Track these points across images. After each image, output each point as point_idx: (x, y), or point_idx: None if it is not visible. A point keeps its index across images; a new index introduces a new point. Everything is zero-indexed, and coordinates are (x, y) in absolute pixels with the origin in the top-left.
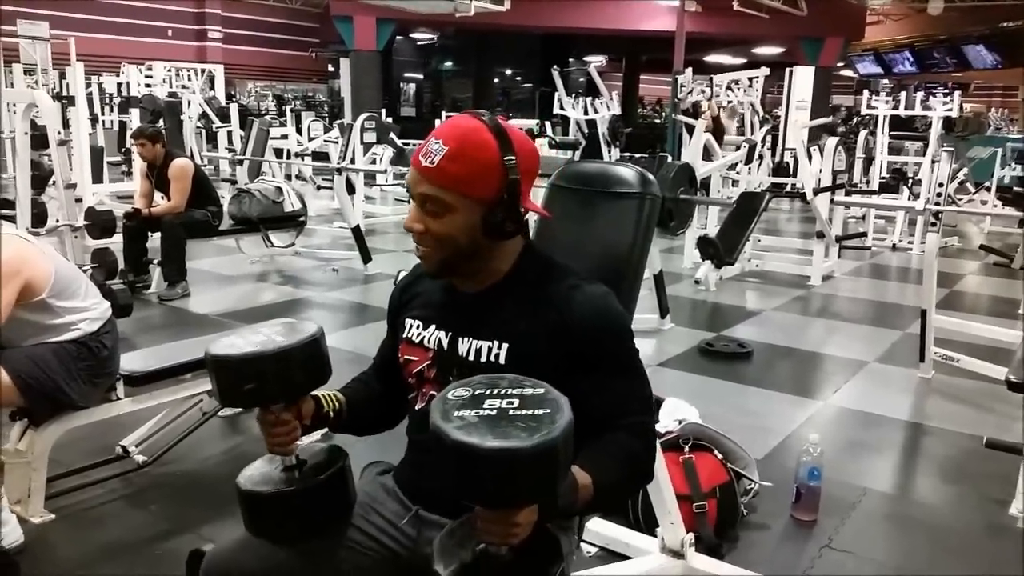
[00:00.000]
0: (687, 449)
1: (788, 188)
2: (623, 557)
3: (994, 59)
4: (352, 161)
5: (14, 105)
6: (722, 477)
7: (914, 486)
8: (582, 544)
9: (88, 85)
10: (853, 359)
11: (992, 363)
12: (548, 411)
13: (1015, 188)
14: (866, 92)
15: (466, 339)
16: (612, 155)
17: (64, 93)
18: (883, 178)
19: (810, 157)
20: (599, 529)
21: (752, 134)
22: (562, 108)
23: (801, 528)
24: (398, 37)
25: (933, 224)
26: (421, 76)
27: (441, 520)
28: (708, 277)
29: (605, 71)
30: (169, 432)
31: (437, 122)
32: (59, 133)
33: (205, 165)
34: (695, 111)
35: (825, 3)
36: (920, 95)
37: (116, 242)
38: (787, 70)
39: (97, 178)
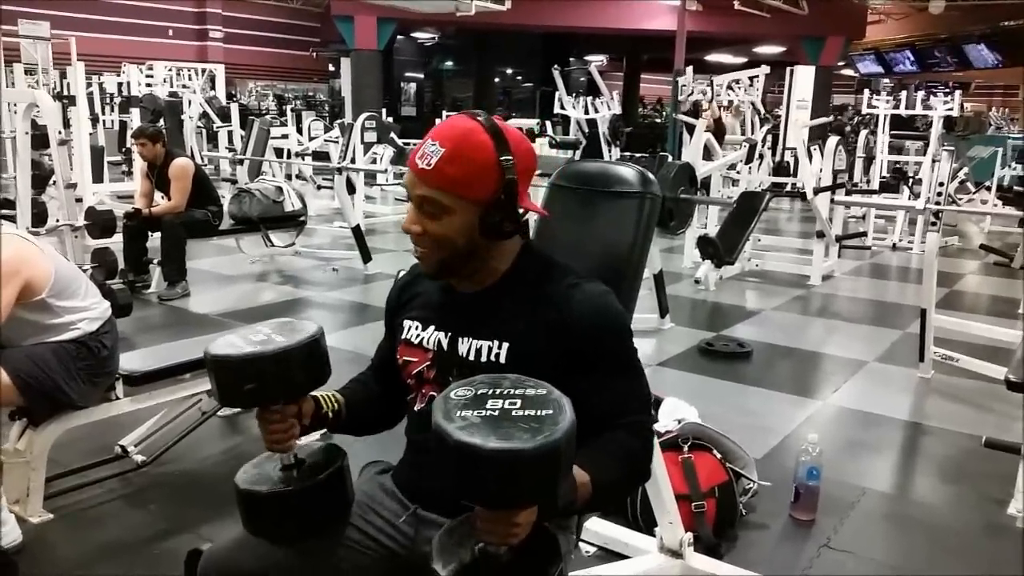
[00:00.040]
0: (686, 449)
1: (788, 188)
2: (622, 556)
3: (995, 58)
4: (352, 161)
5: (15, 105)
6: (721, 477)
7: (913, 486)
8: (581, 543)
9: (89, 85)
10: (853, 359)
11: (992, 363)
12: (550, 412)
13: (1015, 187)
14: (867, 91)
15: (466, 339)
16: (612, 154)
17: (65, 93)
18: (883, 177)
19: (810, 157)
20: (598, 528)
21: (752, 133)
22: (563, 107)
23: (800, 528)
24: (399, 37)
25: (933, 224)
26: (422, 75)
27: (439, 519)
28: (708, 277)
29: (606, 70)
30: (168, 432)
31: (438, 121)
32: (60, 133)
33: (205, 165)
34: (695, 110)
35: (826, 2)
36: (921, 94)
37: (116, 242)
38: (788, 69)
39: (97, 178)
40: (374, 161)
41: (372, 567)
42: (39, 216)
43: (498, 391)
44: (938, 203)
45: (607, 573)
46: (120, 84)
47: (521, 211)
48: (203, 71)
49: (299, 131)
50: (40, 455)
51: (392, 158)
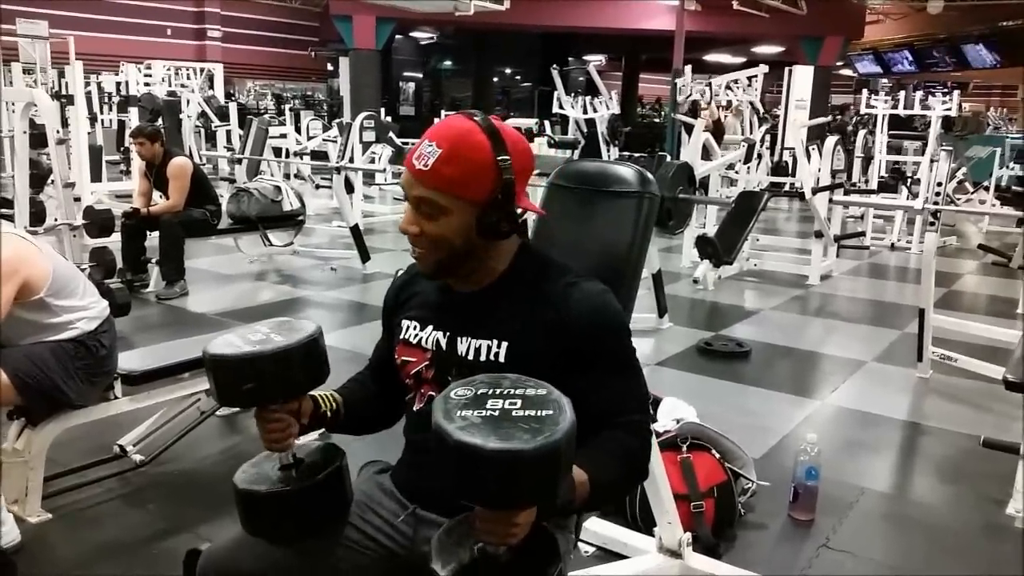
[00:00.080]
0: (685, 448)
1: (787, 187)
2: (620, 556)
3: (993, 58)
4: (351, 160)
5: (13, 104)
6: (720, 477)
7: (912, 486)
8: (579, 543)
9: (87, 84)
10: (851, 359)
11: (990, 363)
12: (551, 413)
13: (1014, 187)
14: (865, 91)
15: (465, 339)
16: (611, 154)
17: (63, 92)
18: (882, 177)
19: (809, 156)
20: (597, 528)
21: (751, 133)
22: (561, 107)
23: (799, 528)
24: (397, 36)
25: (931, 223)
26: (420, 75)
27: (438, 519)
28: (706, 276)
29: (604, 70)
30: (167, 431)
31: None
32: (58, 132)
33: (204, 164)
34: (694, 110)
35: (825, 2)
36: (919, 94)
37: (114, 241)
38: (786, 69)
39: (96, 177)
40: (372, 160)
41: (371, 567)
42: (37, 215)
43: (498, 391)
44: (936, 203)
45: (606, 573)
46: (118, 83)
47: (519, 211)
48: (201, 70)
49: (297, 130)
50: (38, 455)
51: (390, 157)
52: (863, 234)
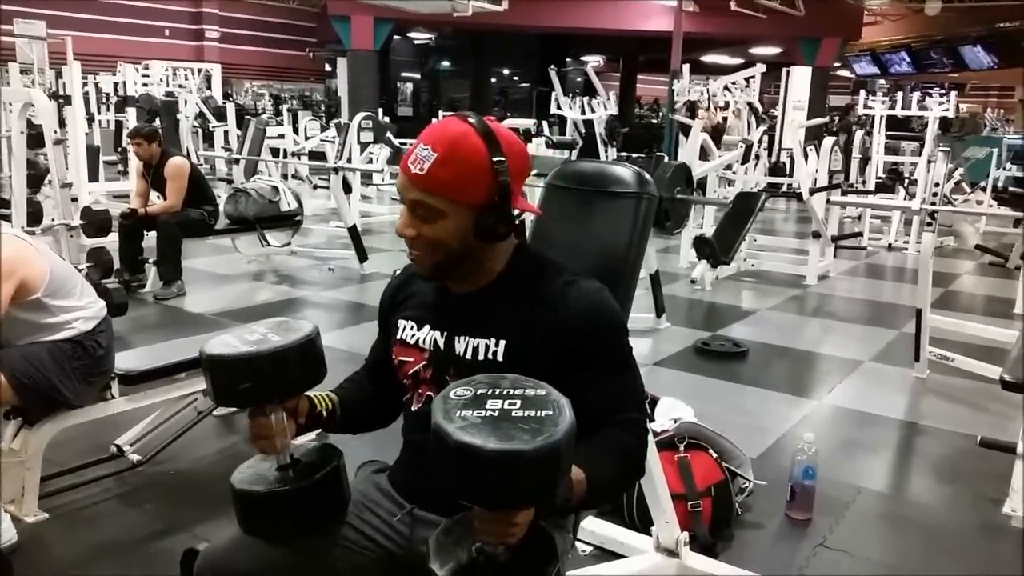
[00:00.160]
0: (682, 448)
1: (784, 188)
2: (618, 556)
3: (990, 59)
4: (349, 160)
5: (10, 104)
6: (717, 476)
7: (909, 485)
8: (577, 543)
9: (84, 84)
10: (848, 358)
11: (987, 363)
12: (550, 413)
13: (1010, 188)
14: (863, 92)
15: (463, 338)
16: (609, 155)
17: (60, 92)
18: (879, 178)
19: (806, 157)
20: (594, 528)
21: (749, 134)
22: (559, 108)
23: (796, 527)
24: (395, 37)
25: (929, 224)
26: (418, 76)
27: (436, 518)
28: (704, 276)
29: (602, 71)
30: (164, 431)
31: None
32: (55, 132)
33: (201, 164)
34: (692, 110)
35: (822, 3)
36: (917, 95)
37: (112, 241)
38: (784, 70)
39: (93, 177)
40: (370, 161)
41: (368, 567)
42: (34, 215)
43: (497, 391)
44: (934, 203)
45: (604, 573)
46: (116, 84)
47: (515, 212)
48: (199, 71)
49: (295, 131)
50: (35, 454)
51: (388, 158)
52: (860, 234)
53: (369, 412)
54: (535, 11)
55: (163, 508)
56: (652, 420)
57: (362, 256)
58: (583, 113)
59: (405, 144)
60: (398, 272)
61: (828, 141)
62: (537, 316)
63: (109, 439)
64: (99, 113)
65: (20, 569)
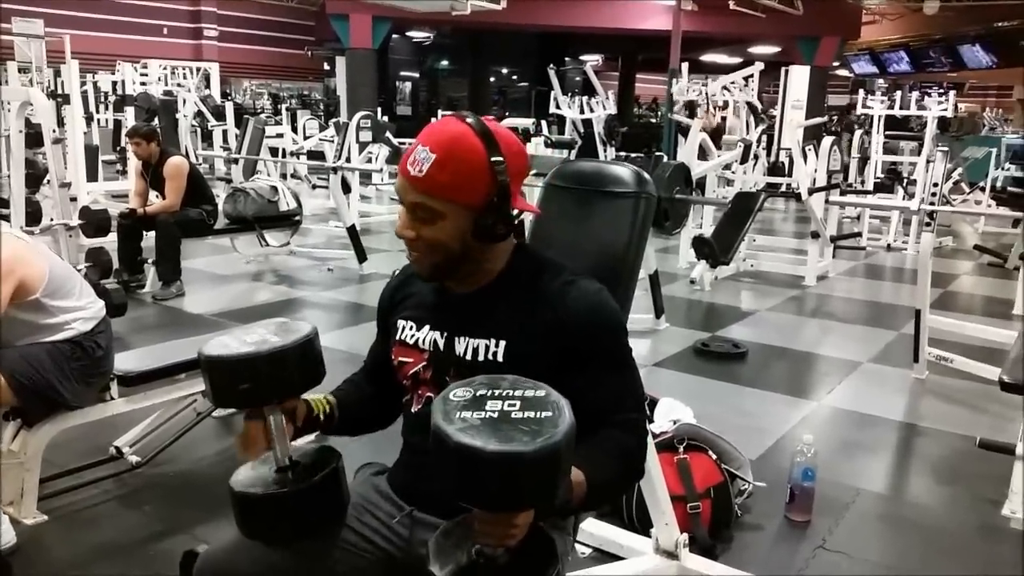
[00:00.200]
0: (681, 449)
1: (783, 188)
2: (617, 558)
3: (989, 59)
4: (348, 160)
5: (9, 103)
6: (716, 478)
7: (908, 487)
8: (576, 544)
9: (83, 83)
10: (847, 359)
11: (986, 364)
12: (550, 414)
13: (1009, 188)
14: (861, 92)
15: (463, 339)
16: (608, 154)
17: (59, 91)
18: (878, 178)
19: (805, 157)
20: (593, 530)
21: (748, 133)
22: (558, 107)
23: (795, 529)
24: (394, 35)
25: (928, 224)
26: (417, 75)
27: (435, 520)
28: (703, 277)
29: (601, 70)
30: (163, 432)
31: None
32: (54, 131)
33: (200, 164)
34: (691, 110)
35: (821, 2)
36: (915, 95)
37: (111, 241)
38: (783, 69)
39: (92, 177)
40: (369, 160)
41: (368, 569)
42: (33, 215)
43: (497, 392)
44: (932, 204)
45: (603, 574)
46: (115, 83)
47: (515, 212)
48: (198, 70)
49: (294, 130)
50: (34, 456)
51: (387, 157)
52: (859, 235)
53: (368, 414)
54: (534, 10)
55: (162, 510)
56: (651, 421)
57: (361, 256)
58: (582, 112)
59: (404, 143)
60: (397, 272)
61: (827, 141)
62: (537, 316)
63: (108, 440)
64: (98, 112)
65: (19, 571)
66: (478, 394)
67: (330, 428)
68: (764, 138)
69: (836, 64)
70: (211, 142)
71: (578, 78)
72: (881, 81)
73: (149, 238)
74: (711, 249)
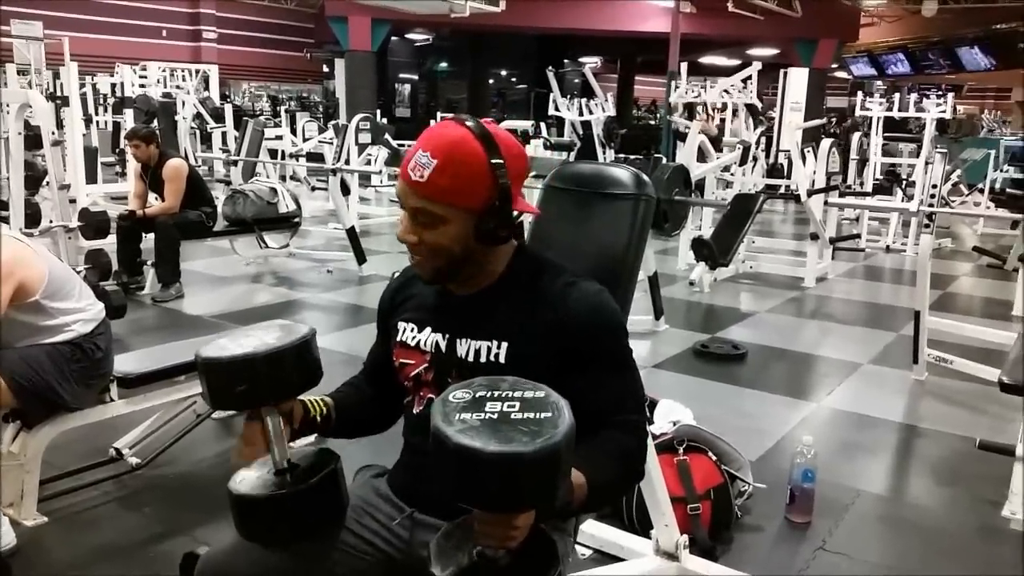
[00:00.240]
0: (681, 451)
1: (782, 190)
2: (617, 559)
3: (987, 61)
4: (347, 162)
5: (8, 105)
6: (716, 479)
7: (908, 488)
8: (576, 546)
9: (82, 85)
10: (847, 361)
11: (985, 365)
12: (549, 415)
13: (1008, 190)
14: (860, 94)
15: (464, 340)
16: (607, 156)
17: (58, 93)
18: (877, 180)
19: (804, 159)
20: (593, 531)
21: (750, 131)
22: (557, 109)
23: (795, 530)
24: (393, 38)
25: (927, 226)
26: (416, 77)
27: (435, 522)
28: (702, 278)
29: (600, 72)
30: (163, 434)
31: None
32: (53, 133)
33: (199, 166)
34: (690, 112)
35: (819, 5)
36: (914, 97)
37: (110, 243)
38: (781, 71)
39: (91, 179)
40: (368, 162)
41: (367, 571)
42: (32, 217)
43: (496, 393)
44: (931, 205)
45: (603, 575)
46: (113, 85)
47: (515, 214)
48: (197, 72)
49: (293, 132)
50: (34, 458)
51: (386, 159)
52: (858, 236)
53: (367, 416)
54: (533, 12)
55: (162, 511)
56: (651, 423)
57: (360, 258)
58: (581, 114)
59: (403, 145)
60: (397, 274)
61: (826, 142)
62: (538, 317)
63: (108, 442)
64: (97, 114)
65: (19, 572)
66: (477, 395)
67: (327, 430)
68: (763, 140)
69: (834, 66)
70: (210, 144)
71: (577, 80)
72: (880, 83)
73: (148, 240)
74: (710, 251)
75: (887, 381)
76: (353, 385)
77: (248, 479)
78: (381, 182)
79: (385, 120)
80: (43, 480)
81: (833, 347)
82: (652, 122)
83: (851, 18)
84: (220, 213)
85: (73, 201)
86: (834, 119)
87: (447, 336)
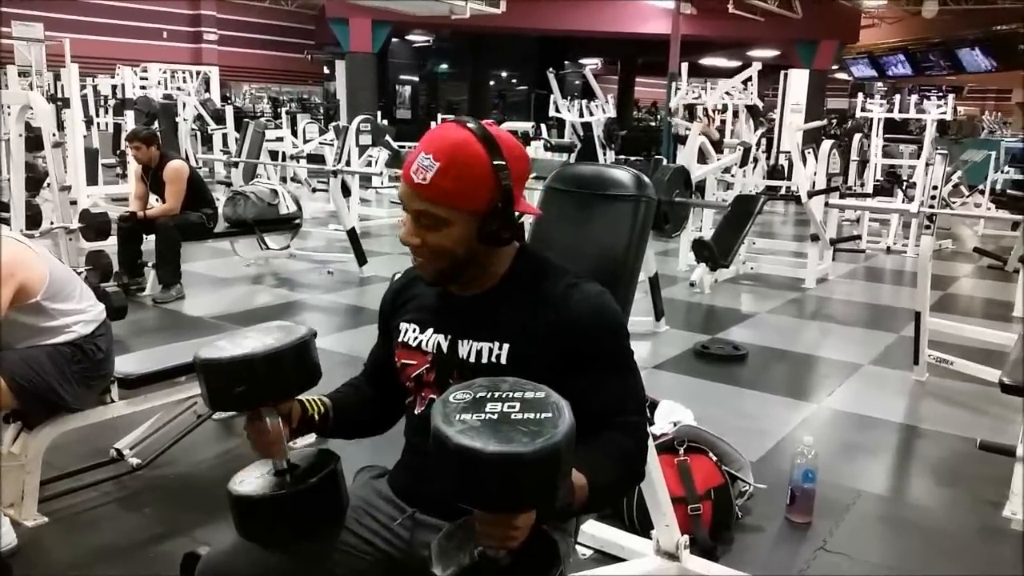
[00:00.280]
0: (682, 451)
1: (783, 191)
2: (618, 559)
3: (988, 62)
4: (348, 163)
5: (9, 107)
6: (717, 479)
7: (908, 488)
8: (577, 546)
9: (83, 87)
10: (847, 362)
11: (986, 366)
12: (549, 416)
13: (1009, 191)
14: (860, 95)
15: (466, 342)
16: (607, 158)
17: (59, 95)
18: (877, 181)
19: (805, 160)
20: (594, 531)
21: (747, 137)
22: (558, 111)
23: (796, 530)
24: (394, 39)
25: (927, 227)
26: (417, 78)
27: (436, 522)
28: (703, 280)
29: (601, 74)
30: (163, 435)
31: (433, 124)
32: (54, 135)
33: (200, 167)
34: (690, 113)
35: (820, 6)
36: (914, 98)
37: (111, 244)
38: (782, 73)
39: (92, 180)
40: (369, 164)
41: (368, 571)
42: (33, 219)
43: (497, 394)
44: (932, 206)
45: (604, 575)
46: (114, 86)
47: (517, 214)
48: (198, 73)
49: (294, 134)
50: (35, 458)
51: (387, 161)
52: (859, 237)
53: (366, 417)
54: (533, 14)
55: (163, 512)
56: (652, 424)
57: (361, 259)
58: (581, 116)
59: (403, 147)
60: (398, 275)
61: (826, 144)
62: (540, 318)
63: (109, 443)
64: (97, 116)
65: (20, 572)
66: (478, 396)
67: (326, 429)
68: (763, 141)
69: (835, 67)
70: (211, 146)
71: (577, 82)
72: (880, 84)
73: (149, 241)
74: (711, 252)
75: (888, 382)
76: (352, 386)
77: (248, 480)
78: (382, 184)
79: (386, 122)
80: (44, 481)
81: (834, 348)
82: (652, 124)
83: (851, 19)
84: (221, 214)
85: (74, 203)
86: (835, 120)
87: (449, 337)
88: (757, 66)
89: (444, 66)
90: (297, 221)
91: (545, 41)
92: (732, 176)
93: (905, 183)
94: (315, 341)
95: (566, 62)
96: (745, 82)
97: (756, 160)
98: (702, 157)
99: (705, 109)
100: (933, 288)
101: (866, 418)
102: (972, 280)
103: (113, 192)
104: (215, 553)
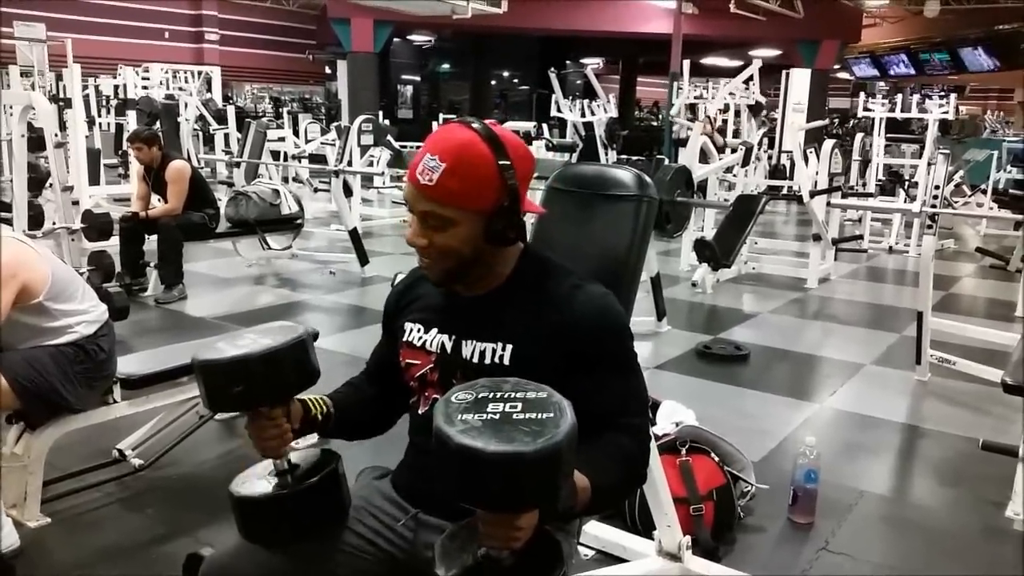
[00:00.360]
0: (684, 452)
1: (785, 191)
2: (620, 560)
3: (990, 62)
4: (349, 163)
5: (11, 107)
6: (719, 480)
7: (911, 488)
8: (579, 547)
9: (85, 87)
10: (850, 361)
11: (988, 366)
12: (551, 415)
13: (1011, 190)
14: (862, 95)
15: (470, 342)
16: (609, 157)
17: (61, 95)
18: (879, 181)
19: (807, 160)
20: (596, 532)
21: (749, 136)
22: (559, 110)
23: (798, 531)
24: (395, 39)
25: (929, 227)
26: (418, 78)
27: (439, 523)
28: (705, 280)
29: (602, 73)
30: (166, 435)
31: (435, 124)
32: (56, 135)
33: (202, 167)
34: (692, 113)
35: (821, 6)
36: (916, 98)
37: (113, 245)
38: (783, 72)
39: (94, 180)
40: (371, 164)
41: (371, 572)
42: (35, 219)
43: (499, 394)
44: (934, 206)
45: None
46: (116, 86)
47: (523, 215)
48: (199, 73)
49: (296, 134)
50: (37, 459)
51: (389, 161)
52: (861, 237)
53: (367, 416)
54: (535, 13)
55: (165, 512)
56: (654, 424)
57: (363, 259)
58: (583, 116)
59: (405, 147)
60: (401, 275)
61: (828, 143)
62: (543, 319)
63: (111, 443)
64: (99, 116)
65: (22, 573)
66: (480, 396)
67: (327, 429)
68: (765, 141)
69: (837, 67)
70: (213, 146)
71: (579, 81)
72: (882, 84)
73: (151, 242)
74: (713, 252)
75: (890, 382)
76: (353, 385)
77: (249, 480)
78: (384, 183)
79: (387, 122)
80: (46, 481)
81: (836, 348)
82: (654, 123)
83: (853, 19)
84: (223, 215)
85: (76, 203)
86: (837, 120)
87: (453, 337)
88: (758, 63)
89: (446, 66)
90: (299, 221)
91: (547, 41)
92: (734, 176)
93: (907, 183)
94: (313, 341)
95: (568, 62)
96: (747, 81)
97: (758, 160)
98: (704, 157)
99: (707, 116)
100: (935, 288)
101: (868, 418)
102: (974, 280)
103: (115, 192)
104: (218, 555)
